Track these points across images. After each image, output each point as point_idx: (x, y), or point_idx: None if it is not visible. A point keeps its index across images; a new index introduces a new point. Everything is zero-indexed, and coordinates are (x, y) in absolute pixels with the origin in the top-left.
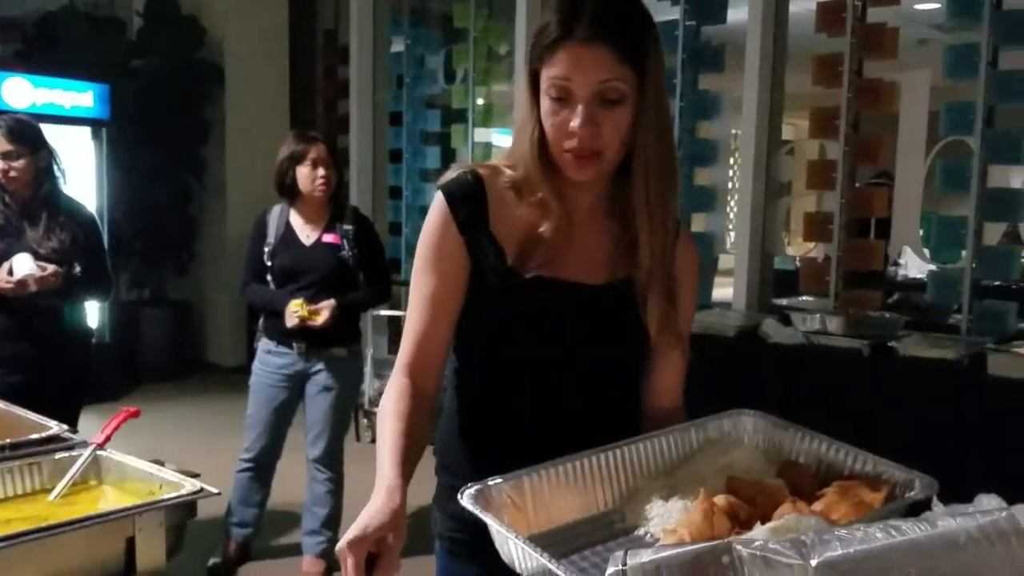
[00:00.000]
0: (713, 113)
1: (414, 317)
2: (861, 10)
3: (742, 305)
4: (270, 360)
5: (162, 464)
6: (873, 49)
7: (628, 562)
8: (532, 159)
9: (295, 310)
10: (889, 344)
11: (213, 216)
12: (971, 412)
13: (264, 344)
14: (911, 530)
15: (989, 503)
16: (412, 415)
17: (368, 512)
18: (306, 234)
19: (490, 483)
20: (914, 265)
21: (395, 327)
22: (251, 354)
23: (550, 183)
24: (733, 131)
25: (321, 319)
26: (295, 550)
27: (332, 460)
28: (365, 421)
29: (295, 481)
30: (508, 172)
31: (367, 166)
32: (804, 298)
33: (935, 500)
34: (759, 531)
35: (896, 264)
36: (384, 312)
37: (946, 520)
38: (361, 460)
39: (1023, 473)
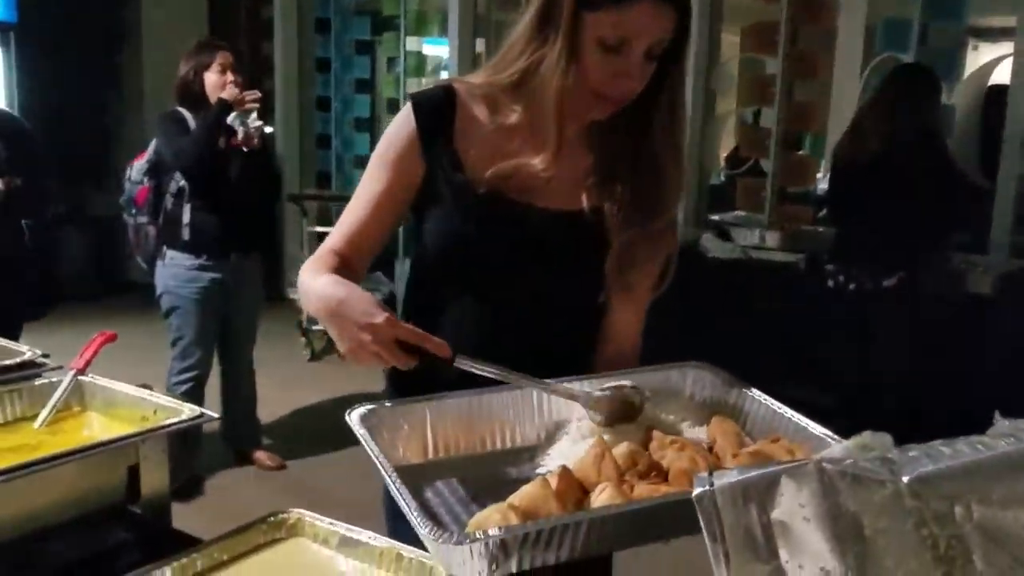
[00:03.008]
0: None
1: (354, 208)
2: None
3: (680, 220)
4: (189, 273)
5: (150, 388)
6: None
7: (715, 483)
8: (556, 99)
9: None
10: (824, 258)
11: (129, 127)
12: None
13: (177, 257)
14: (998, 445)
15: None
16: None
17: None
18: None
19: (384, 404)
20: None
21: None
22: None
23: (559, 120)
24: None
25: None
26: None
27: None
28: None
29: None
30: (485, 88)
31: (293, 76)
32: (737, 213)
33: (996, 414)
34: (838, 448)
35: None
36: (320, 228)
37: None
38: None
39: (949, 380)
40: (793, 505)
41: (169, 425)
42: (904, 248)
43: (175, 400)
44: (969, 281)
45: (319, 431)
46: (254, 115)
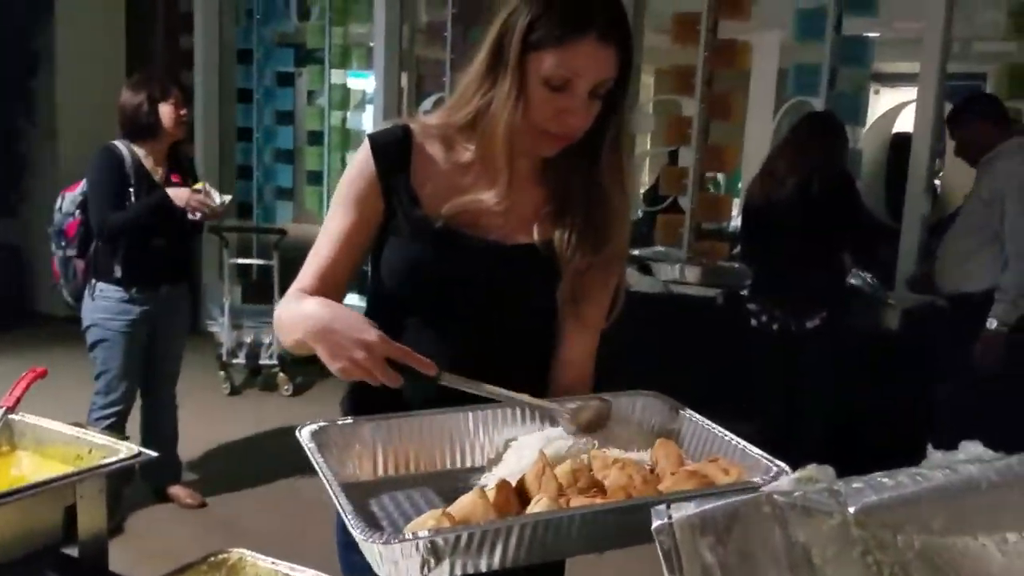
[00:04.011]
0: None
1: (321, 249)
2: None
3: None
4: (119, 306)
5: (83, 426)
6: (728, 10)
7: (674, 516)
8: (505, 135)
9: (200, 188)
10: (741, 293)
11: (43, 154)
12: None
13: (107, 290)
14: (935, 476)
15: (975, 449)
16: None
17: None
18: (156, 176)
19: (335, 422)
20: None
21: (248, 276)
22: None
23: (509, 156)
24: None
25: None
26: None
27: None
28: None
29: None
30: (441, 128)
31: (213, 107)
32: (656, 248)
33: (929, 447)
34: (786, 481)
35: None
36: (242, 260)
37: (966, 467)
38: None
39: (859, 417)
40: (747, 536)
41: (108, 464)
42: (818, 287)
43: (111, 438)
44: (879, 316)
45: (239, 467)
46: (215, 195)
